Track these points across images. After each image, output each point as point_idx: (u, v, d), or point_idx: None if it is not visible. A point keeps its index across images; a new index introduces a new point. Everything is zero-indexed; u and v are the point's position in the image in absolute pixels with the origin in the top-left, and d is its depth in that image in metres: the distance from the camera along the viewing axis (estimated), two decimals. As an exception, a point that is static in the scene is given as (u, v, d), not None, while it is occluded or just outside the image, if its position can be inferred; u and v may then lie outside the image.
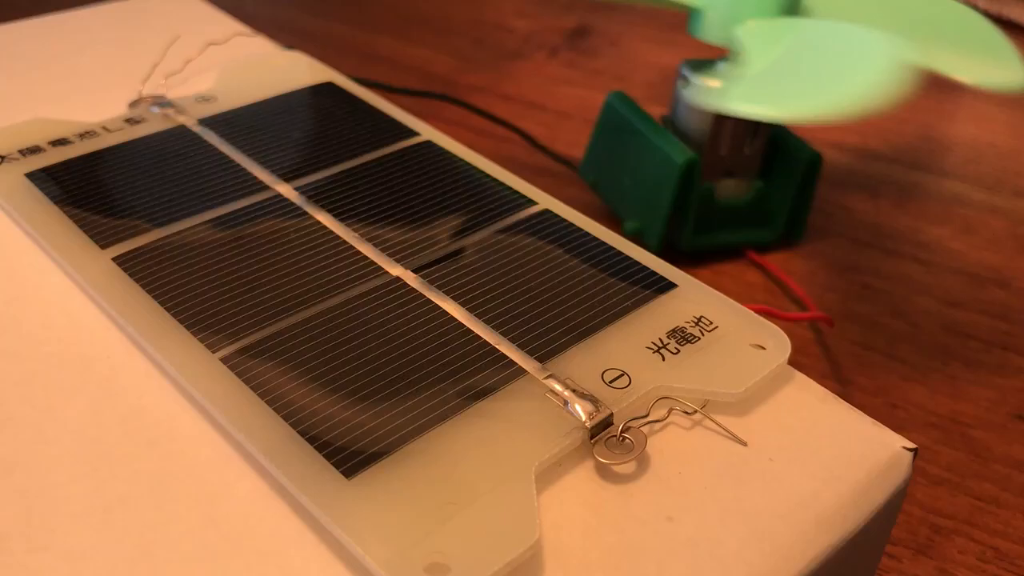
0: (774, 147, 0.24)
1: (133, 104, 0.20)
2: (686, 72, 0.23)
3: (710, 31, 0.22)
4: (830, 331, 0.22)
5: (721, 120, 0.23)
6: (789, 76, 0.18)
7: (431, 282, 0.15)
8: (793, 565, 0.12)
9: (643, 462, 0.13)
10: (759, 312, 0.16)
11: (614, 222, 0.24)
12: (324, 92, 0.20)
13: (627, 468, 0.13)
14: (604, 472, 0.13)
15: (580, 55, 0.34)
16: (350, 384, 0.13)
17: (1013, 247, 0.26)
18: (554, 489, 0.13)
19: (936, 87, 0.29)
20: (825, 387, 0.15)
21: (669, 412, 0.14)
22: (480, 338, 0.14)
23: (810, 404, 0.14)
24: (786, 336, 0.15)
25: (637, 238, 0.24)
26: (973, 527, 0.18)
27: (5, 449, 0.13)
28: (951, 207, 0.27)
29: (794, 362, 0.15)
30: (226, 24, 0.24)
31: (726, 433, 0.14)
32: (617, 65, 0.33)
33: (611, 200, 0.25)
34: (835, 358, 0.22)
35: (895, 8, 0.24)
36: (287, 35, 0.34)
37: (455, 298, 0.15)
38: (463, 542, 0.11)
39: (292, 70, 0.21)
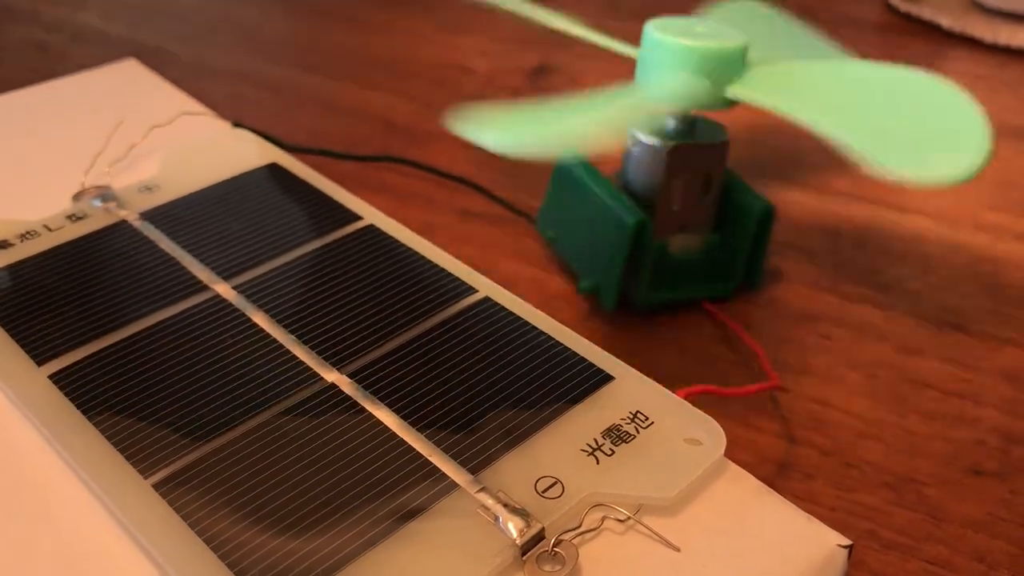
0: (727, 199, 0.24)
1: (76, 196, 0.20)
2: (636, 133, 0.23)
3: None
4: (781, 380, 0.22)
5: (672, 177, 0.23)
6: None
7: (366, 387, 0.15)
8: None
9: (574, 570, 0.13)
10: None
11: (571, 276, 0.24)
12: (268, 176, 0.20)
13: (557, 581, 0.13)
14: (535, 587, 0.13)
15: (542, 96, 0.34)
16: (281, 508, 0.13)
17: (973, 286, 0.26)
18: (482, 611, 0.13)
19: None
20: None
21: (603, 520, 0.14)
22: (414, 449, 0.14)
23: (744, 500, 0.14)
24: (721, 429, 0.15)
25: (593, 296, 0.24)
26: (928, 595, 0.18)
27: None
28: (911, 244, 0.27)
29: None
30: (173, 98, 0.24)
31: (659, 539, 0.14)
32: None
33: (566, 256, 0.25)
34: (789, 416, 0.22)
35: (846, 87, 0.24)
36: (248, 86, 0.34)
37: (390, 404, 0.15)
38: None
39: (238, 151, 0.21)
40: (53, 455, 0.14)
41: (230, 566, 0.12)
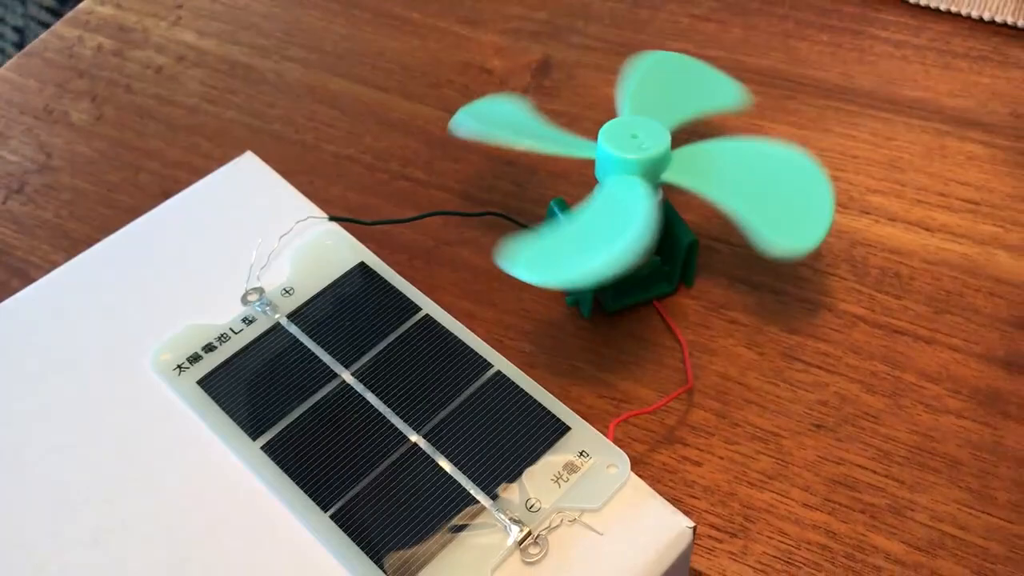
0: (667, 231, 0.35)
1: (243, 300, 0.32)
2: (598, 199, 0.34)
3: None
4: (699, 359, 0.34)
5: (624, 230, 0.34)
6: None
7: (435, 445, 0.28)
8: (614, 612, 0.25)
9: (547, 552, 0.26)
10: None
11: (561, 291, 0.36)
12: (360, 275, 0.32)
13: (538, 557, 0.26)
14: (526, 560, 0.26)
15: (543, 97, 0.44)
16: (401, 527, 0.26)
17: (846, 268, 0.37)
18: (499, 573, 0.26)
19: (806, 103, 0.39)
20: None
21: (561, 521, 0.27)
22: (462, 487, 0.27)
23: (636, 501, 0.27)
24: (626, 457, 0.27)
25: (576, 306, 0.36)
26: (772, 515, 0.31)
27: (237, 581, 0.26)
28: (808, 233, 0.38)
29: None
30: (288, 198, 0.35)
31: (591, 528, 0.27)
32: (571, 104, 0.43)
33: (560, 273, 0.37)
34: (698, 387, 0.34)
35: (662, 84, 0.35)
36: (318, 103, 0.44)
37: (448, 456, 0.28)
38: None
39: (337, 251, 0.33)
40: (271, 496, 0.28)
41: (375, 562, 0.26)
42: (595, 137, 0.34)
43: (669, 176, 0.33)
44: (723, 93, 0.37)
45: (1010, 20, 0.43)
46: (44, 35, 0.49)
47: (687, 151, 0.34)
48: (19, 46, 0.96)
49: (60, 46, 0.48)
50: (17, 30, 0.95)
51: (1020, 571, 0.29)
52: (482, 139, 0.37)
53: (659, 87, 0.36)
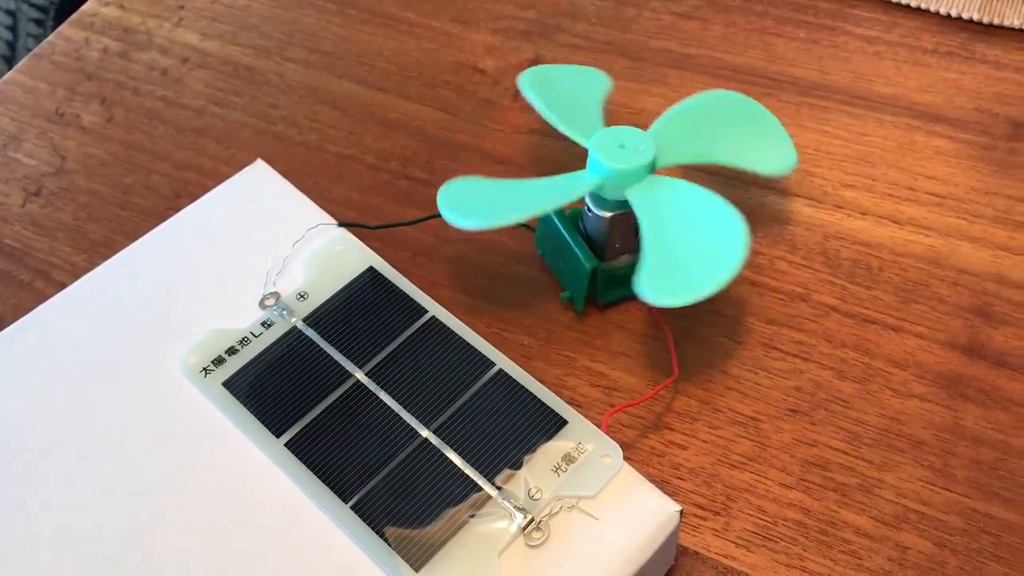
0: (653, 230, 0.38)
1: (261, 304, 0.34)
2: (588, 202, 0.37)
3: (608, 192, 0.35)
4: (683, 349, 0.37)
5: (613, 231, 0.37)
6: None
7: (444, 440, 0.31)
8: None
9: (548, 536, 0.29)
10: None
11: (556, 284, 0.39)
12: (369, 280, 0.35)
13: (540, 541, 0.29)
14: (529, 543, 0.29)
15: (535, 96, 0.46)
16: (416, 516, 0.29)
17: (820, 261, 0.40)
18: (505, 556, 0.29)
19: (784, 100, 0.41)
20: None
21: (561, 507, 0.29)
22: (470, 479, 0.30)
23: (628, 487, 0.30)
24: (619, 448, 0.30)
25: (570, 301, 0.38)
26: (752, 494, 0.34)
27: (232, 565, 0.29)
28: (785, 227, 0.41)
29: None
30: (298, 205, 0.37)
31: (588, 514, 0.29)
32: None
33: (553, 270, 0.39)
34: (683, 375, 0.36)
35: (705, 117, 0.37)
36: (320, 104, 0.46)
37: (457, 451, 0.30)
38: (468, 602, 0.28)
39: (347, 256, 0.35)
40: (295, 489, 0.30)
41: (388, 544, 0.28)
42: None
43: (632, 195, 0.35)
44: (773, 157, 0.39)
45: (976, 16, 0.46)
46: (51, 37, 0.50)
47: (657, 181, 0.36)
48: (11, 29, 0.97)
49: (67, 48, 0.50)
50: (9, 13, 0.96)
51: (975, 542, 0.32)
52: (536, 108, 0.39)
53: (710, 121, 0.38)
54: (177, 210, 0.37)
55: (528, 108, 0.44)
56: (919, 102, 0.44)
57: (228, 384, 0.32)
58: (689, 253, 0.33)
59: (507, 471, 0.30)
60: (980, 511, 0.33)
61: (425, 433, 0.31)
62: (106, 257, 0.36)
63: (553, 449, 0.30)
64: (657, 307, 0.34)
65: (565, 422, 0.31)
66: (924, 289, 0.38)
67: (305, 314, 0.34)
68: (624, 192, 0.35)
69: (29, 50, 0.61)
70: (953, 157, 0.42)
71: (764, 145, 0.39)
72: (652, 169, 0.36)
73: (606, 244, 0.37)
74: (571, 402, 0.32)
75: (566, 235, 0.37)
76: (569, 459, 0.30)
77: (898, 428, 0.35)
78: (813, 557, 0.32)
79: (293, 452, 0.31)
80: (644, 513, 0.29)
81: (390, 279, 0.35)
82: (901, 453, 0.34)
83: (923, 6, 0.47)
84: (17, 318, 0.34)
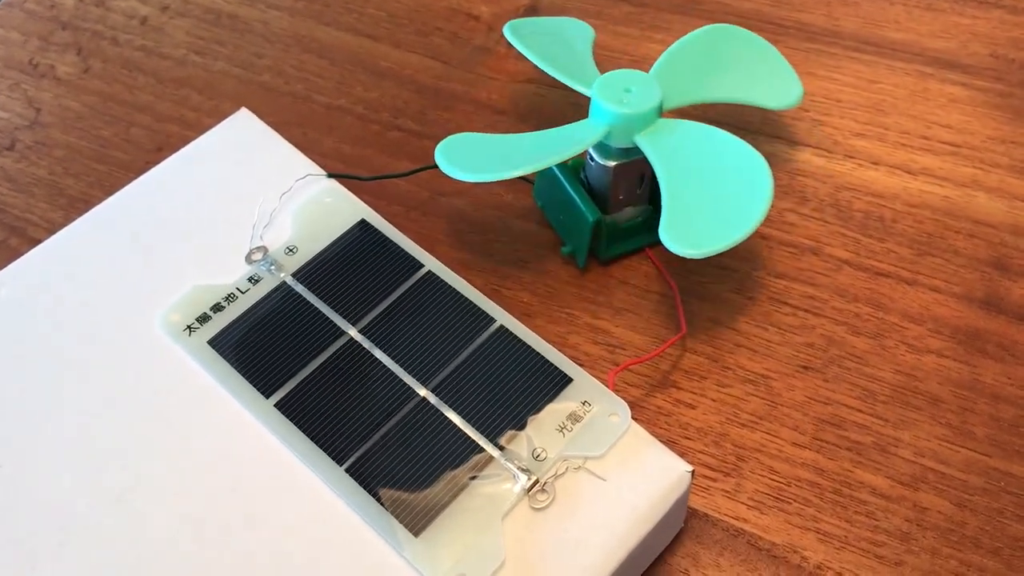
0: (656, 183, 0.36)
1: (248, 259, 0.32)
2: (592, 151, 0.35)
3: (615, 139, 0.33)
4: (690, 304, 0.35)
5: (617, 181, 0.35)
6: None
7: (443, 399, 0.29)
8: (621, 543, 0.27)
9: (554, 498, 0.28)
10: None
11: (556, 239, 0.37)
12: (360, 233, 0.33)
13: (546, 504, 0.27)
14: (534, 506, 0.27)
15: (532, 44, 0.44)
16: (414, 479, 0.28)
17: (831, 213, 0.38)
18: (509, 519, 0.27)
19: (792, 46, 0.39)
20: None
21: (567, 468, 0.28)
22: (470, 438, 0.28)
23: (638, 447, 0.28)
24: (627, 407, 0.29)
25: (571, 256, 0.37)
26: (763, 454, 0.32)
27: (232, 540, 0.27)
28: (795, 178, 0.39)
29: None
30: (285, 155, 0.35)
31: (595, 475, 0.28)
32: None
33: (552, 222, 0.38)
34: (691, 332, 0.35)
35: (705, 55, 0.35)
36: (305, 53, 0.44)
37: (456, 410, 0.29)
38: (473, 559, 0.26)
39: (338, 208, 0.33)
40: (287, 452, 0.29)
41: (387, 509, 0.27)
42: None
43: (642, 140, 0.34)
44: (779, 89, 0.37)
45: (990, -41, 0.44)
46: (24, -15, 0.48)
47: (668, 123, 0.34)
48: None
49: (41, -3, 0.48)
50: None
51: (996, 502, 0.31)
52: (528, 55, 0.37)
53: (711, 59, 0.37)
54: (158, 163, 0.35)
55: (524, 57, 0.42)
56: (932, 48, 0.42)
57: (214, 342, 0.30)
58: (713, 200, 0.32)
59: (510, 431, 0.28)
60: (1001, 470, 0.31)
61: (423, 392, 0.29)
62: (84, 213, 0.34)
63: (558, 408, 0.29)
64: (680, 257, 0.32)
65: (570, 380, 0.29)
66: (939, 241, 0.37)
67: (294, 269, 0.32)
68: (633, 138, 0.33)
69: None
70: (968, 105, 0.40)
71: (768, 79, 0.37)
72: (660, 112, 0.34)
73: (609, 195, 0.35)
74: (574, 361, 0.30)
75: (568, 187, 0.35)
76: (575, 418, 0.29)
77: (914, 385, 0.33)
78: (827, 519, 0.31)
79: (284, 413, 0.29)
80: (654, 474, 0.28)
81: (383, 232, 0.33)
82: (918, 411, 0.33)
83: (935, -51, 0.45)
84: (-10, 275, 0.32)
